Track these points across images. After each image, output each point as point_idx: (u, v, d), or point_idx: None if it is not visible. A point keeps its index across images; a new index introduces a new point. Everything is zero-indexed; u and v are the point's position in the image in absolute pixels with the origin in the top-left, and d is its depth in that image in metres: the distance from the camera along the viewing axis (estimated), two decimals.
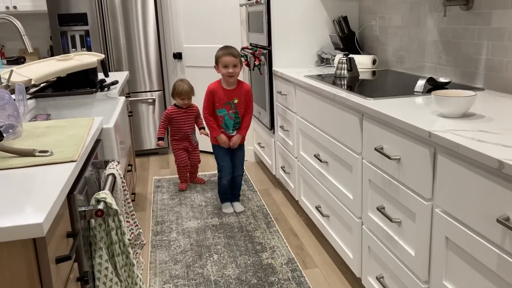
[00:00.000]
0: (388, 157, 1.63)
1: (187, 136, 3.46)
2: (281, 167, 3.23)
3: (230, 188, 3.11)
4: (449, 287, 1.39)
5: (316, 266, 2.40)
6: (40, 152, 1.27)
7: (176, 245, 2.67)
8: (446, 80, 2.05)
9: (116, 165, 1.62)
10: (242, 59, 4.05)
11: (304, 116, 2.65)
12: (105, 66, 2.71)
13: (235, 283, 2.26)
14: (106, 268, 1.32)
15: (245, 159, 3.31)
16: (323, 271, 2.34)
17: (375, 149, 1.73)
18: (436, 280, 1.45)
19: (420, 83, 2.02)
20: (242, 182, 3.39)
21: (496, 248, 1.17)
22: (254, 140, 4.03)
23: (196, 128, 3.53)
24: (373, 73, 2.75)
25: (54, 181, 1.09)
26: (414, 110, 1.66)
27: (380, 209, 1.75)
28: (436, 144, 1.40)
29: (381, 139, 1.73)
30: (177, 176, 3.73)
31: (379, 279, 1.82)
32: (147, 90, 4.39)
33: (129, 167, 2.95)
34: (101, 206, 1.27)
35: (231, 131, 3.01)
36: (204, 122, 3.17)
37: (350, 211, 2.07)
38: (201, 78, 4.27)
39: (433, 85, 2.04)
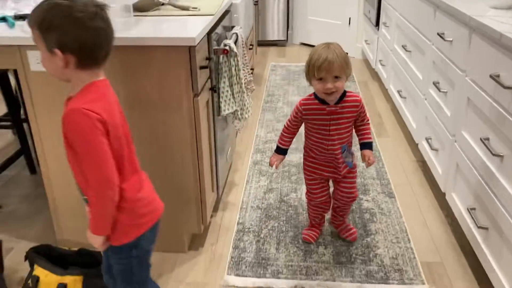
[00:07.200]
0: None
1: (332, 157, 1.81)
2: (379, 61, 3.66)
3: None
4: None
5: (388, 135, 2.95)
6: (192, 8, 1.96)
7: (280, 111, 3.37)
8: None
9: (240, 29, 2.27)
10: None
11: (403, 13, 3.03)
12: None
13: None
14: (227, 91, 2.03)
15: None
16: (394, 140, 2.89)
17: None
18: None
19: None
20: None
21: None
22: (363, 38, 4.42)
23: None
24: None
25: (201, 23, 1.76)
26: None
27: (484, 141, 1.67)
28: None
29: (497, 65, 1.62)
30: (294, 64, 4.32)
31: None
32: None
33: (251, 46, 3.63)
34: (227, 47, 1.94)
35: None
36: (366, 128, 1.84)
37: (446, 128, 2.10)
38: None
39: None
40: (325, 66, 1.61)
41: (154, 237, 1.34)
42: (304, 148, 1.89)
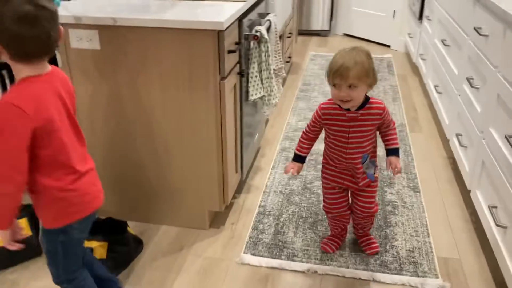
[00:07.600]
0: None
1: (351, 166, 1.70)
2: (420, 55, 3.59)
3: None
4: None
5: (421, 131, 2.91)
6: None
7: (314, 100, 3.39)
8: None
9: (274, 16, 2.31)
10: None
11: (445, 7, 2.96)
12: None
13: None
14: (256, 77, 2.08)
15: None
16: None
17: None
18: None
19: None
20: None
21: None
22: (406, 31, 4.34)
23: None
24: None
25: (233, 9, 1.81)
26: None
27: (508, 138, 1.64)
28: None
29: None
30: (332, 54, 4.29)
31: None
32: None
33: (289, 34, 3.65)
34: (258, 33, 1.98)
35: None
36: (393, 137, 1.72)
37: (475, 124, 2.07)
38: None
39: None
40: (339, 73, 1.48)
41: (85, 228, 1.36)
42: (323, 155, 1.78)
